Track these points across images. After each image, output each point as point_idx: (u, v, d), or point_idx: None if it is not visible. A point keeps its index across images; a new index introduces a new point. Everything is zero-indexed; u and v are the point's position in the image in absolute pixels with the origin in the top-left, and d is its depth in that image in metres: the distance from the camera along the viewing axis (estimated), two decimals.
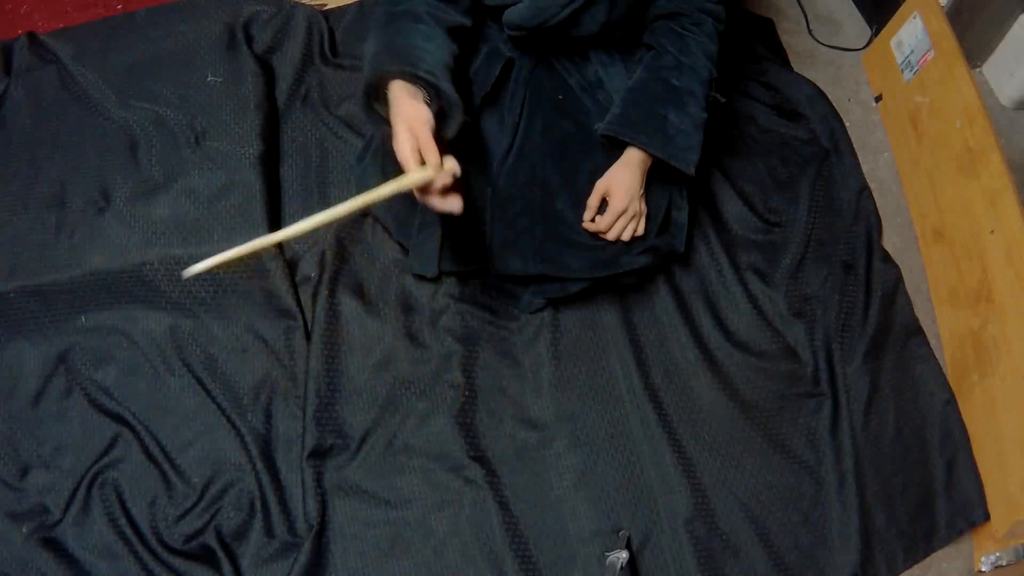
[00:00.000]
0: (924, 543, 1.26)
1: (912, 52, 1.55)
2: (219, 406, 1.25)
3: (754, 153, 1.56)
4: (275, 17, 1.52)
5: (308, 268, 1.35)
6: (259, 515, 1.19)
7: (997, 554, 1.24)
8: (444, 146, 0.92)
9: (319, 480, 1.21)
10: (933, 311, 1.47)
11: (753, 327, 1.40)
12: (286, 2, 1.54)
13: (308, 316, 1.31)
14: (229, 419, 1.25)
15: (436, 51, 1.00)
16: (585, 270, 1.20)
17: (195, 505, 1.20)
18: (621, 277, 1.26)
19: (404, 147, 0.90)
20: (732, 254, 1.45)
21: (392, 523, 1.21)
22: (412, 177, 0.89)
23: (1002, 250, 1.28)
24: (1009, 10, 1.58)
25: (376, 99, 1.01)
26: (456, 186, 0.93)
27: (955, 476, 1.29)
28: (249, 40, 1.49)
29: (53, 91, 1.43)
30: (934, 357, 1.39)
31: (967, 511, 1.27)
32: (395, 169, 0.90)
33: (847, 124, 1.64)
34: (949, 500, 1.28)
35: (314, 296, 1.32)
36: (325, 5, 1.63)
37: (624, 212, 1.12)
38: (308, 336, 1.29)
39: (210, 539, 1.17)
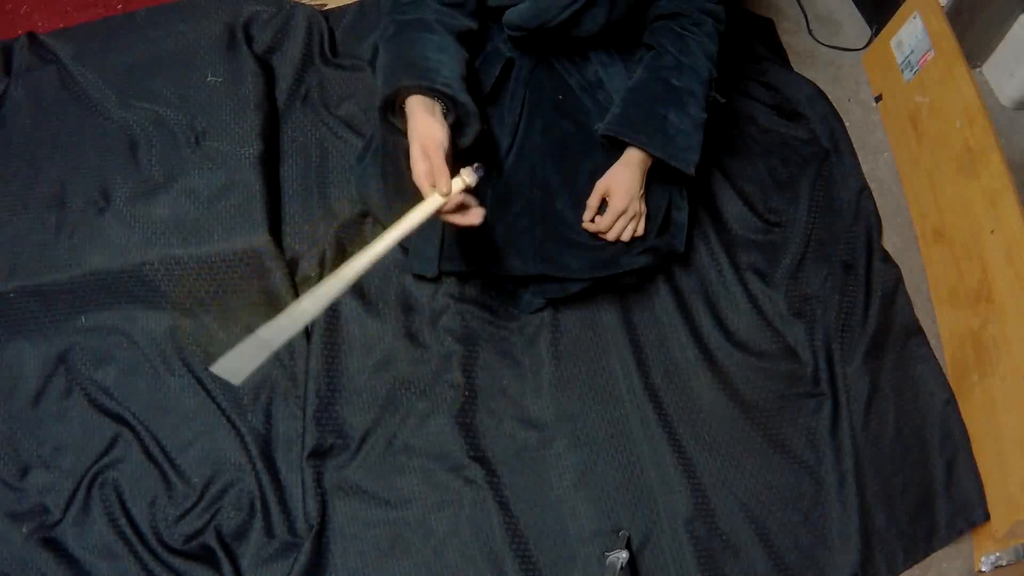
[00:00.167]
0: (924, 543, 1.26)
1: (912, 52, 1.55)
2: (219, 406, 1.26)
3: (754, 153, 1.56)
4: (275, 17, 1.52)
5: (308, 268, 1.35)
6: (259, 515, 1.19)
7: (997, 554, 1.24)
8: (456, 163, 0.93)
9: (319, 480, 1.21)
10: (933, 311, 1.47)
11: (753, 327, 1.40)
12: (286, 2, 1.54)
13: None
14: (229, 419, 1.25)
15: (450, 61, 1.00)
16: (585, 270, 1.20)
17: (195, 505, 1.20)
18: (621, 277, 1.25)
19: (418, 171, 0.92)
20: (732, 254, 1.45)
21: (392, 523, 1.21)
22: (423, 207, 0.91)
23: (1002, 250, 1.28)
24: (1009, 10, 1.58)
25: (392, 112, 1.02)
26: (472, 196, 0.95)
27: (955, 476, 1.29)
28: (249, 40, 1.49)
29: (53, 91, 1.43)
30: (934, 357, 1.39)
31: (967, 511, 1.27)
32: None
33: (847, 124, 1.64)
34: (949, 500, 1.28)
35: None
36: (325, 5, 1.63)
37: (624, 212, 1.12)
38: (308, 336, 1.29)
39: (210, 539, 1.17)
